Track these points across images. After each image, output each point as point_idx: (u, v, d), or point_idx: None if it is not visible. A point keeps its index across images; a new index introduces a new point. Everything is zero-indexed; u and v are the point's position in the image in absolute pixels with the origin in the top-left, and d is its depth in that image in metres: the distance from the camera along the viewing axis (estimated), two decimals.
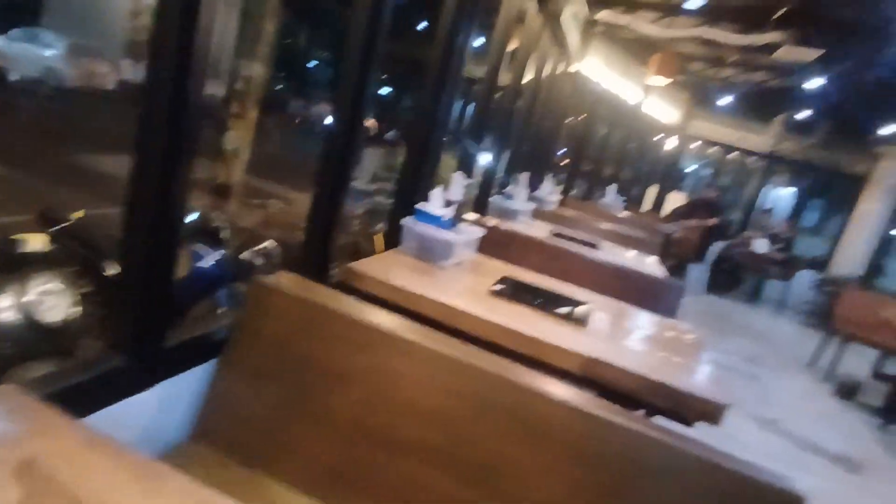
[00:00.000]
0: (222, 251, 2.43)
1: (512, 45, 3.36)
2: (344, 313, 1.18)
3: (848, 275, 7.94)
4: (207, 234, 2.48)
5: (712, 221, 6.93)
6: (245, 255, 2.65)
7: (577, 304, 1.77)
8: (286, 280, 1.28)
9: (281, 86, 17.92)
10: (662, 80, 5.48)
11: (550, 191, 4.75)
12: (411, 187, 2.13)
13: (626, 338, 1.81)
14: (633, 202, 8.47)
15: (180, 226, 1.06)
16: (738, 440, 3.03)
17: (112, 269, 1.94)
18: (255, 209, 4.35)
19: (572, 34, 4.50)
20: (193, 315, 2.18)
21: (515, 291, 1.77)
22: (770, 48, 4.74)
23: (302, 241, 1.67)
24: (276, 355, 1.19)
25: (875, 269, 8.10)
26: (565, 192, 6.02)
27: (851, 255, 8.45)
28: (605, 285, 2.32)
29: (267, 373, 1.18)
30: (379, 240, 3.03)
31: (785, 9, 4.30)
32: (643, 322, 1.96)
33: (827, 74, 5.46)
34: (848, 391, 4.48)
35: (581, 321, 1.65)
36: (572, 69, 4.89)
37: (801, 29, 4.53)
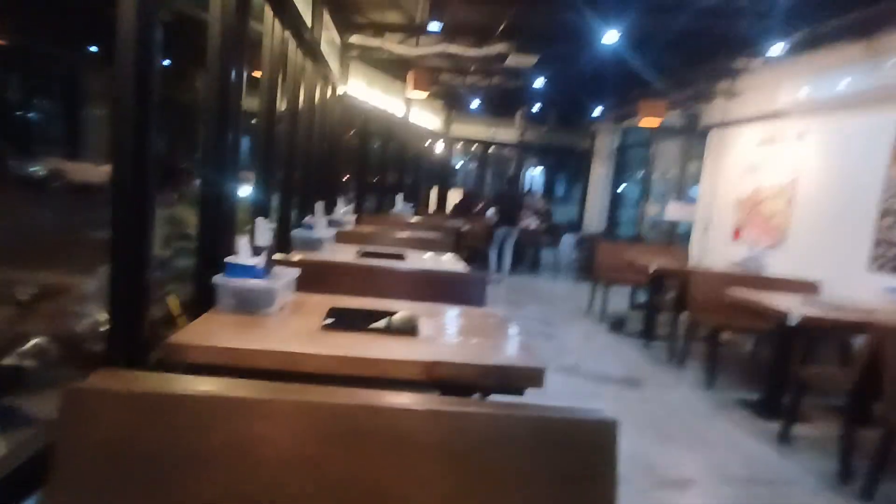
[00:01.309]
0: None
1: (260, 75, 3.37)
2: (179, 394, 1.13)
3: (595, 231, 9.68)
4: None
5: (478, 208, 7.78)
6: (8, 360, 2.24)
7: (404, 319, 1.92)
8: (103, 377, 1.18)
9: None
10: (420, 93, 5.99)
11: (345, 212, 4.87)
12: (212, 242, 2.05)
13: (451, 335, 2.01)
14: (420, 205, 9.07)
15: None
16: (549, 390, 3.55)
17: None
18: (4, 305, 3.59)
19: (332, 60, 4.67)
20: None
21: (346, 320, 1.84)
22: (501, 57, 5.54)
23: (85, 330, 1.51)
24: (114, 464, 1.08)
25: (612, 221, 10.03)
26: (357, 210, 6.19)
27: (594, 214, 10.32)
28: (420, 292, 2.53)
29: (109, 487, 1.07)
30: (173, 302, 2.81)
31: (503, 25, 5.09)
32: (459, 317, 2.20)
33: (545, 74, 6.59)
34: (617, 325, 5.53)
35: (411, 331, 1.81)
36: (339, 92, 5.06)
37: (519, 40, 5.40)
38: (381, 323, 1.85)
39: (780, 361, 3.50)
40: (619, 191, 10.19)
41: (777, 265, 4.83)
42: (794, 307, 3.29)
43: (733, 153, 5.92)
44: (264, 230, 2.07)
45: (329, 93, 4.76)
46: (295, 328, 1.86)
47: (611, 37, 4.53)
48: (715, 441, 3.13)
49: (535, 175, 12.75)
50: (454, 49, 5.44)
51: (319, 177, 4.58)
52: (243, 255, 1.92)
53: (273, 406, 1.12)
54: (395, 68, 6.34)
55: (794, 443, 3.12)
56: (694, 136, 7.01)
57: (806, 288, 4.12)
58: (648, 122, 6.27)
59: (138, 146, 1.42)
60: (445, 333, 2.00)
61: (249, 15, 2.18)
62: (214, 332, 1.65)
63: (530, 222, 8.34)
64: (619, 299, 6.18)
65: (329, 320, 1.83)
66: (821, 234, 4.55)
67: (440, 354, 1.65)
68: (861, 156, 4.25)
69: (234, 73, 2.04)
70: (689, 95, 6.53)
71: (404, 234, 4.50)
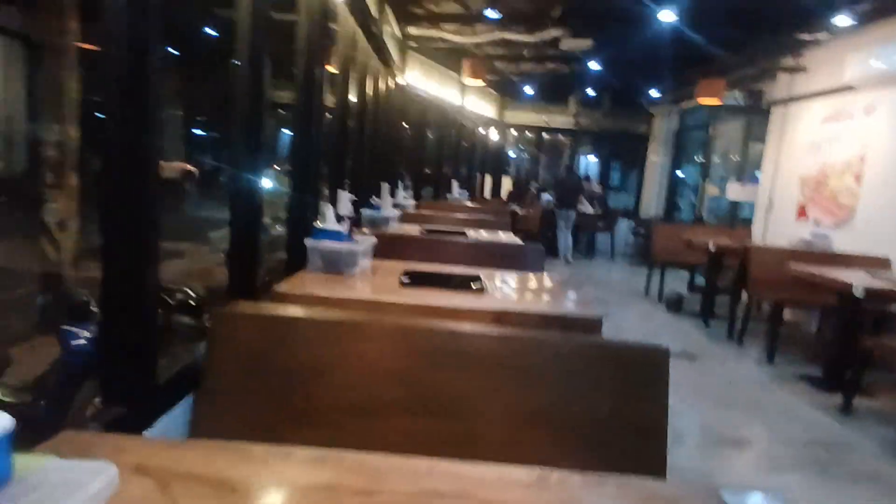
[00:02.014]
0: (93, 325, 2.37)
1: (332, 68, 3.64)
2: (301, 318, 1.38)
3: (653, 216, 9.55)
4: (73, 310, 2.39)
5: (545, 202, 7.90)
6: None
7: (472, 277, 2.13)
8: (241, 305, 1.44)
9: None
10: (476, 81, 6.15)
11: (405, 196, 5.13)
12: (301, 212, 2.32)
13: (517, 293, 2.20)
14: (475, 192, 9.26)
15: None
16: None
17: None
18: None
19: (393, 52, 4.91)
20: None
21: (421, 280, 2.07)
22: (555, 42, 5.63)
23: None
24: (249, 373, 1.34)
25: (671, 206, 9.85)
26: (416, 197, 6.45)
27: (651, 200, 10.16)
28: (483, 260, 2.73)
29: (245, 390, 1.33)
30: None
31: (559, 9, 5.18)
32: (523, 280, 2.38)
33: (600, 56, 6.60)
34: (675, 305, 5.53)
35: (481, 289, 2.01)
36: (400, 83, 5.31)
37: (573, 23, 5.46)
38: (451, 283, 2.06)
39: (844, 335, 3.47)
40: (677, 174, 9.99)
41: (844, 243, 4.71)
42: (861, 280, 3.26)
43: (797, 130, 5.76)
44: (346, 201, 2.32)
45: (391, 84, 5.02)
46: (377, 284, 2.10)
47: (667, 15, 4.54)
48: (773, 409, 3.17)
49: (590, 161, 12.67)
50: (509, 35, 5.57)
51: (383, 162, 4.85)
52: (329, 221, 2.18)
53: (373, 328, 1.35)
54: (451, 58, 6.53)
55: (855, 414, 3.12)
56: (756, 115, 6.83)
57: (875, 263, 4.03)
58: (707, 100, 6.17)
59: (251, 138, 1.69)
60: (509, 291, 2.19)
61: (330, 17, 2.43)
62: (309, 285, 1.91)
63: (586, 207, 8.36)
64: (676, 283, 6.16)
65: (406, 279, 2.05)
66: (891, 210, 4.41)
67: (508, 305, 1.84)
68: None
69: (317, 71, 2.30)
70: (751, 73, 6.38)
71: (463, 216, 4.71)
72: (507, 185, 10.40)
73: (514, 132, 10.78)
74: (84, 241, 3.99)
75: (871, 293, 3.09)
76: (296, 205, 2.31)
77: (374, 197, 3.98)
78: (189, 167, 11.64)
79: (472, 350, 1.34)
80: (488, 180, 10.31)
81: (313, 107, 2.29)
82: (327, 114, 3.23)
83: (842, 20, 4.53)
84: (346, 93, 3.09)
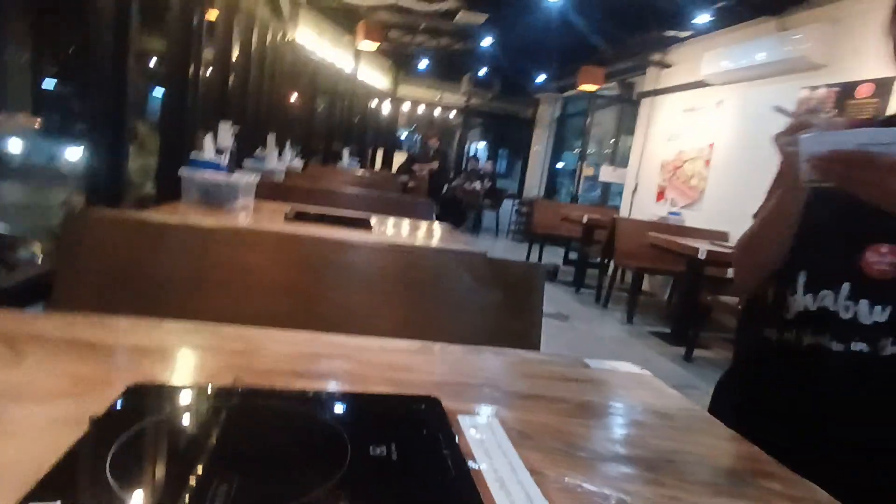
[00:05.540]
0: None
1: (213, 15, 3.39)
2: (175, 224, 1.29)
3: (534, 197, 10.10)
4: None
5: (429, 167, 8.05)
6: None
7: (362, 218, 2.12)
8: (102, 211, 1.32)
9: None
10: (370, 45, 6.04)
11: (292, 157, 4.93)
12: (175, 139, 2.15)
13: (404, 234, 2.23)
14: (366, 163, 9.13)
15: None
16: None
17: None
18: None
19: (284, 4, 4.66)
20: None
21: (308, 217, 2.02)
22: (451, 14, 5.69)
23: None
24: (113, 283, 1.23)
25: (550, 190, 10.50)
26: (304, 161, 6.22)
27: (533, 183, 10.74)
28: (370, 209, 2.72)
29: (108, 302, 1.22)
30: None
31: None
32: (411, 225, 2.42)
33: (493, 34, 6.79)
34: (551, 275, 5.93)
35: (368, 226, 2.01)
36: (289, 38, 5.06)
37: None
38: (338, 220, 2.04)
39: (689, 294, 3.95)
40: (558, 162, 10.63)
41: (694, 221, 5.33)
42: (704, 246, 3.73)
43: (660, 120, 6.40)
44: (228, 132, 2.18)
45: (280, 36, 4.76)
46: (260, 219, 2.01)
47: None
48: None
49: (479, 142, 13.06)
50: (406, 2, 5.53)
51: (270, 121, 4.61)
52: (208, 152, 2.04)
53: (255, 235, 1.30)
54: (345, 20, 6.35)
55: (695, 361, 3.59)
56: (627, 105, 7.46)
57: (716, 236, 4.62)
58: (587, 87, 6.63)
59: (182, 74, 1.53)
60: (397, 232, 2.21)
61: None
62: (182, 213, 1.78)
63: (476, 184, 8.61)
64: (552, 257, 6.59)
65: (291, 214, 1.99)
66: (732, 192, 5.07)
67: (397, 241, 1.86)
68: (769, 121, 4.75)
69: (196, 20, 2.13)
70: (626, 66, 6.94)
71: (352, 181, 4.63)
72: (398, 160, 10.39)
73: (406, 108, 10.77)
74: None
75: (711, 255, 3.54)
76: (169, 132, 2.14)
77: (259, 148, 3.78)
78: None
79: (361, 262, 1.34)
80: (380, 154, 10.22)
81: (190, 56, 2.12)
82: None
83: (702, 18, 5.08)
84: (230, 39, 2.89)
